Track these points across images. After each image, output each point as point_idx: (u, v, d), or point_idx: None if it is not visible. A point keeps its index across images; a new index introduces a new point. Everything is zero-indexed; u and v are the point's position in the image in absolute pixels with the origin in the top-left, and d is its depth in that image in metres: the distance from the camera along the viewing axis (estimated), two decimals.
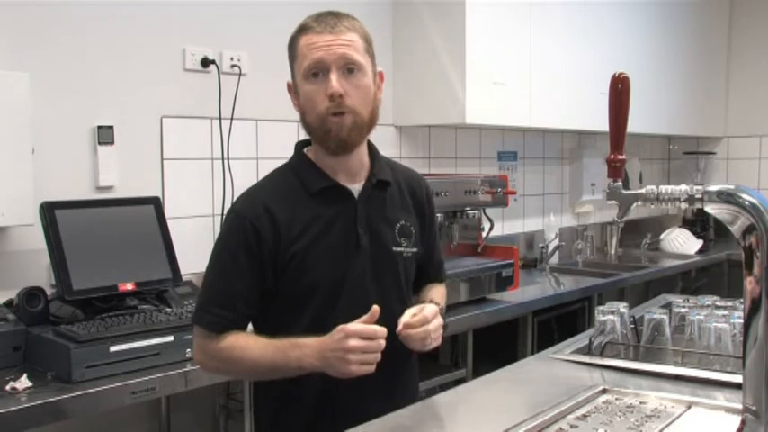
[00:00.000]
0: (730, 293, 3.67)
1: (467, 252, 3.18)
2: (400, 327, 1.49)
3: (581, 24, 3.82)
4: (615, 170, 1.38)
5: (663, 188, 1.29)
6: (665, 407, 1.52)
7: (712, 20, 5.04)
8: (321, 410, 1.56)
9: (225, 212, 2.73)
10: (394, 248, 1.61)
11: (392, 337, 1.49)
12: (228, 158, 2.80)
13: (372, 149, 1.64)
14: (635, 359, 1.83)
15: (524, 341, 3.16)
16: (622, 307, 1.94)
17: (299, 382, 1.52)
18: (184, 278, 2.42)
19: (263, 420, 1.66)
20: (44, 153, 2.29)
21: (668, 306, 2.14)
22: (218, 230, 2.74)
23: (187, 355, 2.07)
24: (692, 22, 4.78)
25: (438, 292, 1.75)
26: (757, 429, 1.17)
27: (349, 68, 1.49)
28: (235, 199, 1.63)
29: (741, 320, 1.63)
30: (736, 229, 1.18)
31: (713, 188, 1.21)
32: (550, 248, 4.11)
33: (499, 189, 3.12)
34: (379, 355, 1.41)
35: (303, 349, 1.43)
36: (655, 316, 1.90)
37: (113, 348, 1.96)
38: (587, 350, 1.89)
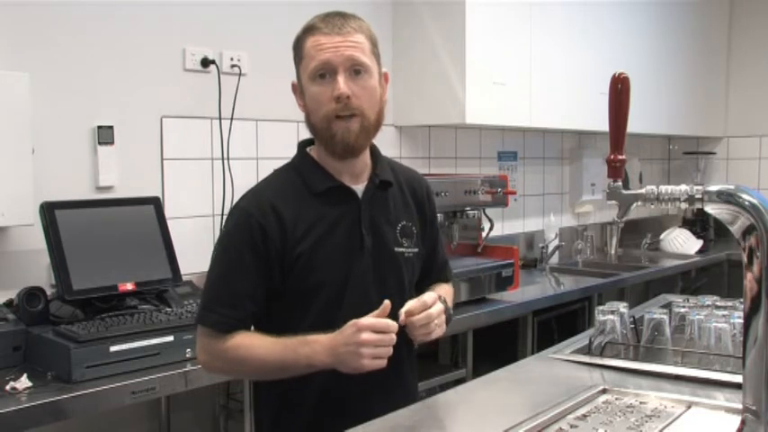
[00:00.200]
0: (730, 293, 3.67)
1: (467, 252, 3.18)
2: (402, 317, 1.48)
3: (581, 24, 3.83)
4: (615, 170, 1.38)
5: (663, 188, 1.29)
6: (665, 407, 1.52)
7: (712, 20, 5.04)
8: (322, 410, 1.56)
9: (224, 212, 2.76)
10: (396, 249, 1.61)
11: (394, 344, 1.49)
12: (228, 158, 2.80)
13: (374, 150, 1.64)
14: (635, 359, 1.83)
15: (524, 341, 3.16)
16: (622, 307, 1.94)
17: (300, 383, 1.52)
18: (184, 278, 2.43)
19: (263, 420, 1.66)
20: (44, 153, 2.29)
21: (668, 306, 2.14)
22: (218, 230, 2.76)
23: (187, 355, 2.07)
24: (692, 22, 4.78)
25: (442, 291, 1.74)
26: (757, 429, 1.17)
27: (356, 70, 1.49)
28: (237, 198, 1.62)
29: (741, 320, 1.63)
30: (736, 229, 1.18)
31: (713, 188, 1.21)
32: (550, 248, 4.11)
33: (499, 189, 3.12)
34: (391, 350, 1.41)
35: (313, 346, 1.43)
36: (655, 316, 1.90)
37: (113, 348, 1.96)
38: (587, 350, 1.89)
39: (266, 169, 2.84)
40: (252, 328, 1.54)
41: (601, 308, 1.95)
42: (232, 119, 2.79)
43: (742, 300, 1.23)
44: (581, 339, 2.00)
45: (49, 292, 2.19)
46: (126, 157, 2.53)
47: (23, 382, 1.85)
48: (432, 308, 1.50)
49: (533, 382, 1.73)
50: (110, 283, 2.20)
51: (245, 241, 1.50)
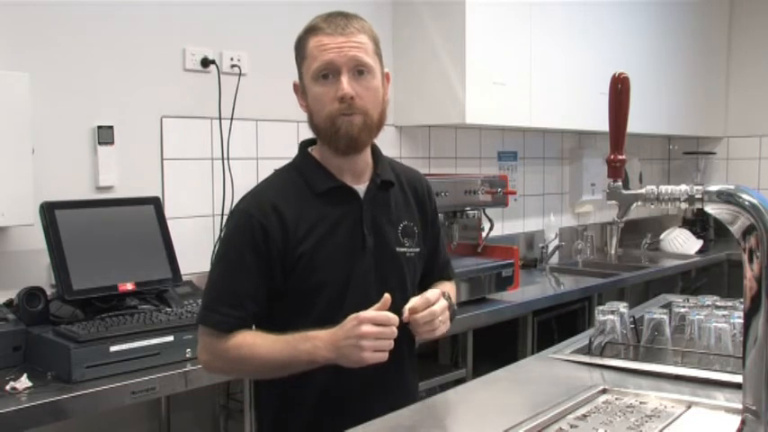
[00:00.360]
0: (730, 293, 3.67)
1: (467, 252, 3.18)
2: (406, 314, 1.48)
3: (581, 24, 3.83)
4: (615, 170, 1.38)
5: (663, 188, 1.29)
6: (665, 407, 1.52)
7: (712, 20, 5.04)
8: (323, 410, 1.56)
9: (224, 212, 2.76)
10: (397, 249, 1.61)
11: (395, 342, 1.49)
12: (228, 158, 2.80)
13: (376, 150, 1.64)
14: (635, 359, 1.83)
15: (524, 341, 3.16)
16: (622, 307, 1.94)
17: (300, 382, 1.52)
18: (184, 278, 2.43)
19: (264, 420, 1.66)
20: (44, 153, 2.29)
21: (668, 306, 2.14)
22: (218, 230, 2.76)
23: (187, 355, 2.07)
24: (692, 22, 4.78)
25: (446, 288, 1.73)
26: (757, 429, 1.17)
27: (359, 70, 1.49)
28: (238, 199, 1.62)
29: (741, 320, 1.63)
30: (736, 229, 1.18)
31: (713, 188, 1.21)
32: (550, 248, 4.11)
33: (499, 189, 3.12)
34: (392, 343, 1.40)
35: (314, 341, 1.43)
36: (655, 316, 1.90)
37: (113, 348, 1.96)
38: (587, 350, 1.89)
39: (266, 169, 2.84)
40: (253, 327, 1.54)
41: (601, 308, 1.95)
42: (232, 119, 2.79)
43: (742, 300, 1.23)
44: (581, 339, 2.00)
45: (49, 292, 2.19)
46: (126, 157, 2.53)
47: (23, 382, 1.85)
48: (435, 305, 1.50)
49: (533, 382, 1.73)
50: (110, 283, 2.20)
51: (246, 241, 1.50)
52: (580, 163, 4.53)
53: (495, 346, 3.13)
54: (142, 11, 2.58)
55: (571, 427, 1.42)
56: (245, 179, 2.78)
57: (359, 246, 1.55)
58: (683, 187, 1.26)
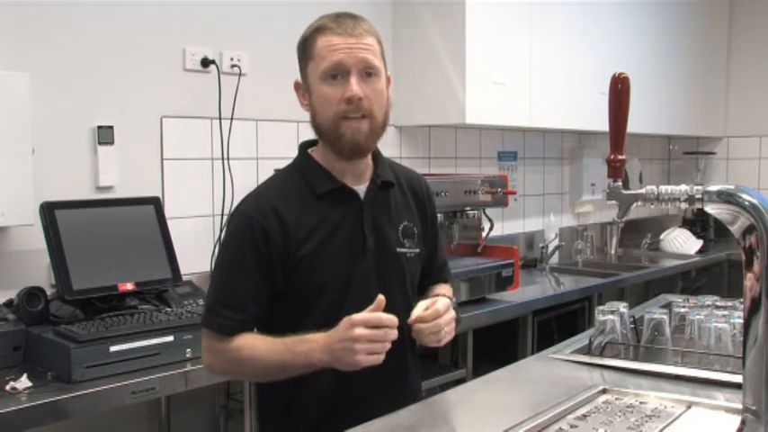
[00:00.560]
0: (730, 293, 3.67)
1: (467, 252, 3.18)
2: (413, 318, 1.48)
3: (581, 24, 3.82)
4: (615, 170, 1.38)
5: (663, 188, 1.29)
6: (665, 407, 1.52)
7: (712, 20, 5.04)
8: (327, 412, 1.55)
9: (224, 212, 2.76)
10: (398, 249, 1.61)
11: (397, 340, 1.48)
12: (228, 158, 2.80)
13: (376, 150, 1.63)
14: (635, 359, 1.83)
15: (524, 341, 3.16)
16: (622, 307, 1.94)
17: (303, 385, 1.52)
18: (184, 278, 2.43)
19: (268, 422, 1.66)
20: (44, 153, 2.29)
21: (668, 306, 2.14)
22: (218, 230, 2.76)
23: (187, 355, 2.07)
24: (692, 22, 4.78)
25: (443, 291, 1.73)
26: (757, 429, 1.17)
27: (367, 72, 1.50)
28: (238, 199, 1.62)
29: (741, 320, 1.63)
30: (736, 229, 1.18)
31: (713, 188, 1.21)
32: (550, 248, 4.11)
33: (499, 189, 3.12)
34: (387, 345, 1.39)
35: (310, 344, 1.43)
36: (655, 316, 1.90)
37: (113, 348, 1.96)
38: (587, 350, 1.89)
39: (266, 169, 2.85)
40: (255, 330, 1.55)
41: (601, 308, 1.95)
42: (232, 119, 2.79)
43: (742, 300, 1.23)
44: (581, 339, 2.00)
45: (49, 292, 2.19)
46: (126, 157, 2.53)
47: (23, 382, 1.85)
48: (442, 317, 1.50)
49: (533, 382, 1.73)
50: (110, 283, 2.20)
51: (246, 244, 1.50)
52: (580, 163, 4.53)
53: (495, 346, 3.13)
54: (142, 11, 2.58)
55: (571, 427, 1.42)
56: (245, 179, 2.78)
57: (359, 247, 1.55)
58: (683, 187, 1.26)
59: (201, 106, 2.74)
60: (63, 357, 1.90)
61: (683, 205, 1.27)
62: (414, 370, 1.68)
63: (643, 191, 1.31)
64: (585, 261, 4.32)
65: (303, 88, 1.56)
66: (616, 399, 1.57)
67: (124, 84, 2.54)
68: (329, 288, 1.53)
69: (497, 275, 3.01)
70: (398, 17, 3.41)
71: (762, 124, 5.10)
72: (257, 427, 2.30)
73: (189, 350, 2.07)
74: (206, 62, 2.73)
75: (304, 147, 1.64)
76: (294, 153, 1.66)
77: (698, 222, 4.94)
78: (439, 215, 1.78)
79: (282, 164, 1.68)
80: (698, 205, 1.23)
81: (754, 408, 1.18)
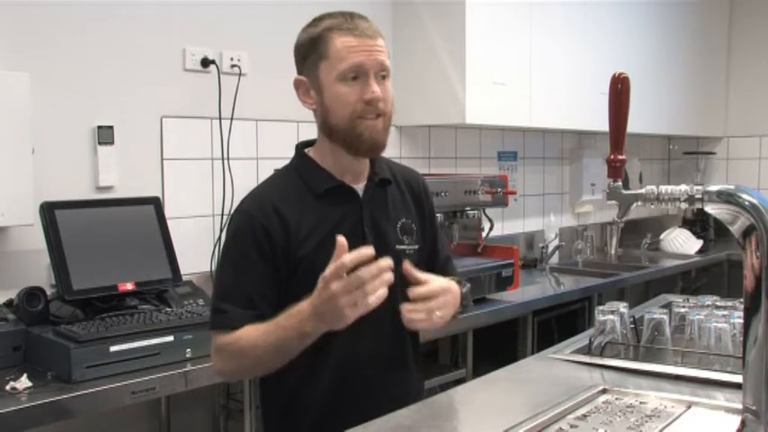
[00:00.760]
0: (730, 293, 3.67)
1: (467, 252, 3.18)
2: (409, 299, 1.44)
3: (581, 24, 3.83)
4: (615, 170, 1.38)
5: (663, 188, 1.29)
6: (665, 407, 1.52)
7: (712, 20, 5.04)
8: (329, 411, 1.55)
9: (224, 212, 2.76)
10: (397, 246, 1.61)
11: (398, 337, 1.48)
12: (228, 158, 2.80)
13: None
14: (635, 359, 1.83)
15: (524, 341, 3.16)
16: (622, 307, 1.94)
17: (304, 385, 1.52)
18: (184, 278, 2.43)
19: (270, 422, 1.65)
20: (44, 153, 2.29)
21: (668, 306, 2.14)
22: (218, 230, 2.76)
23: (187, 355, 2.07)
24: (692, 22, 4.78)
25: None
26: (757, 429, 1.17)
27: (382, 74, 1.52)
28: (238, 199, 1.62)
29: (741, 320, 1.63)
30: (736, 229, 1.18)
31: (713, 188, 1.21)
32: (550, 248, 4.11)
33: (499, 189, 3.12)
34: (367, 291, 1.31)
35: (298, 316, 1.38)
36: (655, 316, 1.90)
37: (113, 348, 1.96)
38: (587, 350, 1.89)
39: (266, 169, 2.85)
40: None
41: (601, 308, 1.95)
42: (232, 119, 2.79)
43: (742, 300, 1.23)
44: (581, 339, 2.00)
45: (49, 292, 2.19)
46: (126, 157, 2.53)
47: (23, 382, 1.85)
48: (433, 301, 1.46)
49: (533, 382, 1.73)
50: (110, 283, 2.20)
51: (249, 242, 1.50)
52: (580, 163, 4.53)
53: (495, 346, 3.13)
54: (142, 11, 2.58)
55: (571, 427, 1.42)
56: (245, 179, 2.78)
57: (359, 245, 1.54)
58: (683, 187, 1.26)
59: (201, 106, 2.74)
60: (63, 357, 1.90)
61: (683, 205, 1.27)
62: (416, 370, 1.68)
63: (643, 191, 1.31)
64: (585, 261, 4.32)
65: (308, 86, 1.56)
66: (616, 399, 1.57)
67: (124, 84, 2.54)
68: None
69: (497, 275, 3.01)
70: (398, 17, 3.41)
71: (762, 124, 5.10)
72: (257, 427, 2.30)
73: (189, 350, 2.07)
74: (206, 62, 2.73)
75: (300, 147, 1.65)
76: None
77: (698, 222, 4.94)
78: (439, 215, 1.78)
79: (283, 164, 1.68)
80: (698, 205, 1.23)
81: (754, 408, 1.18)
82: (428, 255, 1.71)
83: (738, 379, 1.31)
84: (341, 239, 1.32)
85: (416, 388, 1.69)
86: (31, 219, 2.18)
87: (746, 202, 1.16)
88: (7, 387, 1.83)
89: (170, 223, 2.42)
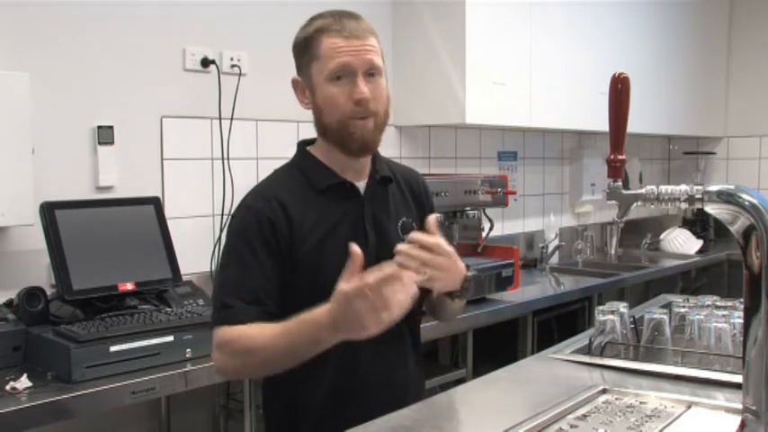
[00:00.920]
0: (730, 293, 3.67)
1: (467, 252, 3.17)
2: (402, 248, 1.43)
3: (581, 24, 3.83)
4: (615, 170, 1.38)
5: (663, 188, 1.29)
6: (665, 407, 1.52)
7: (712, 20, 5.04)
8: (331, 410, 1.55)
9: (224, 212, 2.76)
10: (397, 245, 1.60)
11: (399, 337, 1.47)
12: (228, 158, 2.80)
13: None
14: (635, 359, 1.83)
15: (524, 341, 3.16)
16: (622, 307, 1.94)
17: (305, 385, 1.52)
18: (184, 278, 2.43)
19: (272, 422, 1.65)
20: (44, 153, 2.29)
21: (668, 306, 2.14)
22: (218, 231, 2.76)
23: (187, 355, 2.07)
24: (692, 22, 4.78)
25: None
26: (757, 429, 1.17)
27: (371, 73, 1.51)
28: (238, 198, 1.62)
29: (741, 320, 1.63)
30: (736, 229, 1.18)
31: (713, 188, 1.21)
32: (550, 248, 4.11)
33: (499, 189, 3.12)
34: (388, 302, 1.28)
35: (313, 324, 1.35)
36: (655, 316, 1.90)
37: (113, 348, 1.96)
38: (587, 350, 1.89)
39: (266, 169, 2.83)
40: None
41: (601, 308, 1.95)
42: (232, 119, 2.79)
43: (742, 300, 1.23)
44: (581, 339, 2.00)
45: (49, 292, 2.19)
46: (126, 157, 2.53)
47: (23, 382, 1.85)
48: (436, 257, 1.44)
49: (533, 382, 1.73)
50: (110, 283, 2.20)
51: (255, 236, 1.49)
52: (580, 163, 4.53)
53: (495, 346, 3.13)
54: (142, 11, 2.58)
55: (571, 427, 1.42)
56: (245, 179, 2.78)
57: (361, 243, 1.54)
58: (683, 187, 1.26)
59: (201, 106, 2.74)
60: (63, 357, 1.90)
61: (683, 205, 1.27)
62: (415, 367, 1.68)
63: (643, 191, 1.31)
64: (585, 261, 4.32)
65: (303, 86, 1.57)
66: (616, 399, 1.57)
67: (124, 84, 2.54)
68: (330, 284, 1.52)
69: (497, 275, 3.01)
70: (398, 17, 3.41)
71: (762, 124, 5.10)
72: (257, 427, 2.30)
73: (189, 350, 2.07)
74: (206, 62, 2.73)
75: (302, 145, 1.65)
76: (294, 153, 1.66)
77: (698, 222, 4.94)
78: (439, 215, 1.77)
79: (283, 164, 1.68)
80: (698, 205, 1.23)
81: (754, 408, 1.18)
82: None
83: (738, 379, 1.31)
84: (355, 249, 1.30)
85: (417, 388, 1.69)
86: (31, 219, 2.18)
87: (746, 202, 1.15)
88: (7, 387, 1.83)
89: (170, 223, 2.42)
